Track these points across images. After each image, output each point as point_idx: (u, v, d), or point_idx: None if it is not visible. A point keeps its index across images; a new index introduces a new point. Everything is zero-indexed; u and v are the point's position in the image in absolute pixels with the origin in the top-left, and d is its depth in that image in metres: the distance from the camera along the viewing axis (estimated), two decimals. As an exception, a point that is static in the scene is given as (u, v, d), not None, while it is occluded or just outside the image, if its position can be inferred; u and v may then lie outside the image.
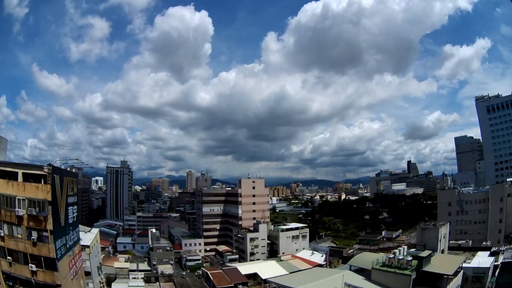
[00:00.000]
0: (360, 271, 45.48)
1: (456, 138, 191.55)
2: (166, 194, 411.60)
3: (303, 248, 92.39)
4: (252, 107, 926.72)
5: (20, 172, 30.64)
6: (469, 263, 50.87)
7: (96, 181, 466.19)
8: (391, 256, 43.25)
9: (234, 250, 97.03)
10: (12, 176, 30.55)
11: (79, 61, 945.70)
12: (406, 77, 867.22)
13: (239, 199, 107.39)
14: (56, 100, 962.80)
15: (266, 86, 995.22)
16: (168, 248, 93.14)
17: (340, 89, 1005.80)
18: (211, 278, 64.12)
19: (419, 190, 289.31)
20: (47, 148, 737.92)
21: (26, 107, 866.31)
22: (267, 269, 70.71)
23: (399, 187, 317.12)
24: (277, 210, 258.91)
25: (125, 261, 77.40)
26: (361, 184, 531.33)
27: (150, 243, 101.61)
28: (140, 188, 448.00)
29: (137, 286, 61.27)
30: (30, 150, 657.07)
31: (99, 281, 55.07)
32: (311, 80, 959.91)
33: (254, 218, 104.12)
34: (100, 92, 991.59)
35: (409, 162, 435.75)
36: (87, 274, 46.76)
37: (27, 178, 30.86)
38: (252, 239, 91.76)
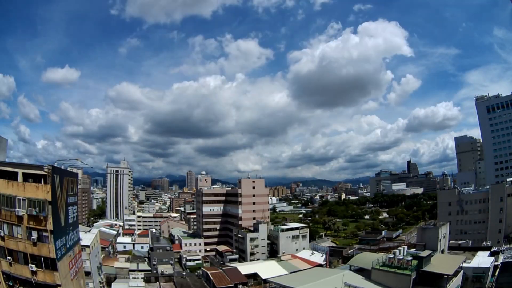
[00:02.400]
0: (360, 271, 45.48)
1: (456, 138, 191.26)
2: (166, 194, 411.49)
3: (303, 248, 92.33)
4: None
5: (20, 172, 30.62)
6: (469, 263, 50.83)
7: (96, 181, 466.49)
8: (391, 256, 43.25)
9: (234, 250, 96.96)
10: (12, 176, 30.53)
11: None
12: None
13: (239, 199, 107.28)
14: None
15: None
16: (168, 248, 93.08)
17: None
18: (211, 278, 64.09)
19: (419, 190, 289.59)
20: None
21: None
22: (267, 269, 70.67)
23: (399, 187, 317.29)
24: (277, 210, 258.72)
25: (125, 261, 77.42)
26: (361, 184, 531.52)
27: (150, 243, 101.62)
28: (140, 188, 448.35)
29: (137, 286, 61.27)
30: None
31: (99, 281, 55.09)
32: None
33: (254, 218, 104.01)
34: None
35: (409, 162, 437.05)
36: (87, 274, 46.77)
37: (27, 178, 30.85)
38: (252, 239, 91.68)
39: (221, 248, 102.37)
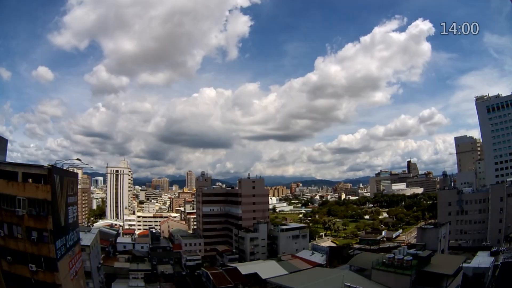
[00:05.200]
0: (360, 271, 45.58)
1: (456, 138, 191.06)
2: (166, 194, 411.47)
3: (303, 248, 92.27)
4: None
5: (20, 172, 30.59)
6: (469, 263, 50.85)
7: (96, 181, 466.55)
8: (391, 256, 43.27)
9: (234, 250, 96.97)
10: (12, 176, 30.50)
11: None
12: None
13: (239, 199, 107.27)
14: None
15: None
16: (168, 248, 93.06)
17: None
18: (211, 278, 64.07)
19: (419, 190, 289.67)
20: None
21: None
22: (267, 269, 70.56)
23: (399, 187, 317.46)
24: (277, 210, 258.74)
25: (125, 261, 77.32)
26: (361, 184, 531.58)
27: (150, 243, 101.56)
28: (140, 188, 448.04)
29: (137, 286, 61.26)
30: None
31: (99, 281, 55.05)
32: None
33: (254, 218, 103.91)
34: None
35: (409, 162, 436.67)
36: (87, 274, 46.71)
37: (26, 178, 30.82)
38: (252, 239, 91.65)
39: (221, 248, 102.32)
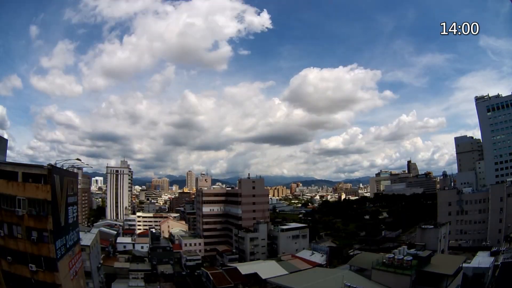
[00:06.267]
0: (360, 271, 45.60)
1: (456, 138, 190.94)
2: (166, 194, 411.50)
3: (303, 248, 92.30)
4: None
5: (20, 172, 30.59)
6: (469, 263, 50.83)
7: (96, 181, 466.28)
8: (391, 256, 43.28)
9: (234, 250, 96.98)
10: (12, 176, 30.50)
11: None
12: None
13: (239, 199, 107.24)
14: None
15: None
16: (168, 248, 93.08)
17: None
18: (211, 278, 64.14)
19: (419, 190, 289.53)
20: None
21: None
22: (267, 269, 70.61)
23: (399, 187, 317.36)
24: (277, 210, 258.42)
25: (125, 261, 77.39)
26: (361, 184, 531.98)
27: (150, 243, 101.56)
28: (140, 188, 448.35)
29: (137, 286, 61.34)
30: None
31: (99, 281, 55.07)
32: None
33: (254, 218, 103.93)
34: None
35: (409, 162, 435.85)
36: (87, 274, 46.73)
37: (27, 178, 30.82)
38: (252, 239, 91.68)
39: (221, 248, 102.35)
